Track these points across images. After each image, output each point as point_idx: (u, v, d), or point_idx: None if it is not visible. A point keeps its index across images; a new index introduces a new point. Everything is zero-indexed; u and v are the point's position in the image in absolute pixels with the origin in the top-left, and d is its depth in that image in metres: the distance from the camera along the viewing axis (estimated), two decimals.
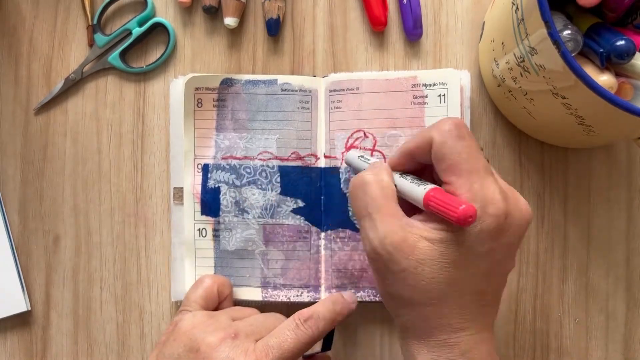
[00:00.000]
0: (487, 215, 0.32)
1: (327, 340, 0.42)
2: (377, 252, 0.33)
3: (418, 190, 0.34)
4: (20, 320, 0.47)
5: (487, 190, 0.32)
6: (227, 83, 0.46)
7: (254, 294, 0.46)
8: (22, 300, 0.46)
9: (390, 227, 0.33)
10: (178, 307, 0.46)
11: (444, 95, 0.45)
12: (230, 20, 0.47)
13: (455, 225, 0.31)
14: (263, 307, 0.46)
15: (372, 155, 0.46)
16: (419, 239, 0.32)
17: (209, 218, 0.46)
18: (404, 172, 0.37)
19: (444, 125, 0.34)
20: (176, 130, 0.47)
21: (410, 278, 0.32)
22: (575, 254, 0.47)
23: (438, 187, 0.33)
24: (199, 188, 0.46)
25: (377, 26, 0.47)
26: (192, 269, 0.46)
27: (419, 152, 0.36)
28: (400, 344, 0.36)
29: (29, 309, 0.47)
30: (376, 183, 0.35)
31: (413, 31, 0.47)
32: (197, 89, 0.46)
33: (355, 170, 0.42)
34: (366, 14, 0.48)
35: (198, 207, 0.46)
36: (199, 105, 0.46)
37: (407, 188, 0.35)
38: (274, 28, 0.47)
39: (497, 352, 0.34)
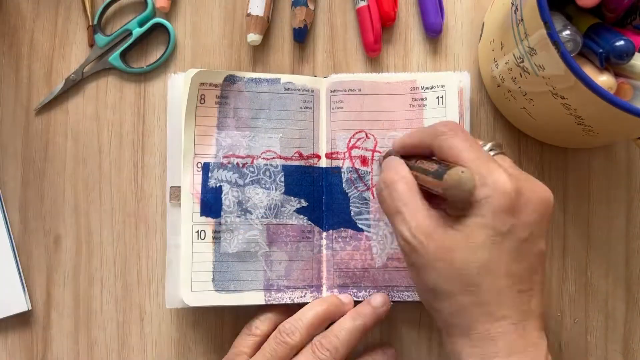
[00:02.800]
0: (497, 193, 0.33)
1: None
2: (409, 243, 0.35)
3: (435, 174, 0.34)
4: (21, 320, 0.47)
5: (493, 172, 0.33)
6: (230, 80, 0.46)
7: (257, 298, 0.44)
8: (22, 300, 0.46)
9: (418, 219, 0.35)
10: (176, 311, 0.46)
11: (442, 97, 0.46)
12: (253, 37, 0.47)
13: (473, 209, 0.33)
14: (265, 310, 0.46)
15: (372, 157, 0.46)
16: (446, 227, 0.34)
17: (209, 219, 0.45)
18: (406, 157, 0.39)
19: (439, 129, 0.36)
20: (174, 127, 0.46)
21: (443, 266, 0.34)
22: (575, 254, 0.47)
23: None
24: (198, 188, 0.45)
25: (371, 52, 0.48)
26: (188, 274, 0.44)
27: (416, 151, 0.38)
28: (445, 347, 0.36)
29: (30, 308, 0.47)
30: (400, 181, 0.36)
31: (435, 21, 0.47)
32: (201, 84, 0.45)
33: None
34: (361, 37, 0.48)
35: (197, 207, 0.45)
36: (202, 101, 0.45)
37: (422, 177, 0.36)
38: (300, 36, 0.48)
39: (550, 351, 0.34)
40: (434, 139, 0.36)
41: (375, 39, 0.47)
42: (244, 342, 0.43)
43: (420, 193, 0.36)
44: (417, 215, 0.35)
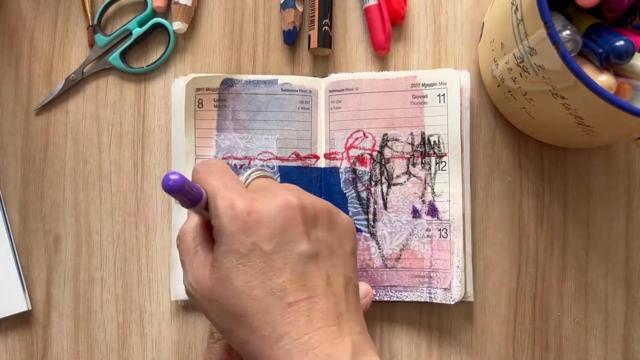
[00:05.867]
0: (227, 219, 0.33)
1: None
2: (189, 292, 0.35)
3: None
4: (21, 320, 0.47)
5: (225, 200, 0.34)
6: (227, 83, 0.46)
7: None
8: (22, 300, 0.46)
9: (193, 268, 0.35)
10: (178, 305, 0.47)
11: (444, 95, 0.45)
12: (178, 25, 0.47)
13: (217, 241, 0.34)
14: None
15: (372, 155, 0.46)
16: (209, 268, 0.34)
17: None
18: None
19: (195, 169, 0.36)
20: (177, 131, 0.47)
21: (214, 307, 0.34)
22: (575, 254, 0.47)
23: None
24: None
25: (380, 51, 0.48)
26: None
27: None
28: None
29: (30, 308, 0.47)
30: (189, 233, 0.36)
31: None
32: (198, 89, 0.46)
33: None
34: (369, 36, 0.48)
35: None
36: (200, 105, 0.46)
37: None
38: (290, 38, 0.48)
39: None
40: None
41: (387, 37, 0.47)
42: (212, 351, 0.42)
43: (207, 238, 0.36)
44: (193, 264, 0.35)
